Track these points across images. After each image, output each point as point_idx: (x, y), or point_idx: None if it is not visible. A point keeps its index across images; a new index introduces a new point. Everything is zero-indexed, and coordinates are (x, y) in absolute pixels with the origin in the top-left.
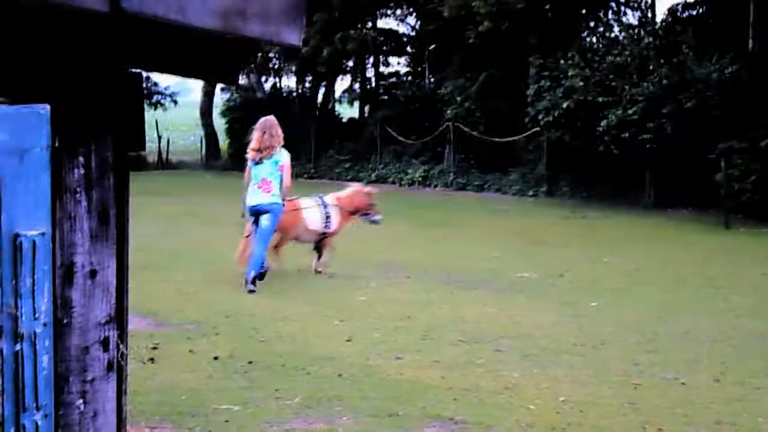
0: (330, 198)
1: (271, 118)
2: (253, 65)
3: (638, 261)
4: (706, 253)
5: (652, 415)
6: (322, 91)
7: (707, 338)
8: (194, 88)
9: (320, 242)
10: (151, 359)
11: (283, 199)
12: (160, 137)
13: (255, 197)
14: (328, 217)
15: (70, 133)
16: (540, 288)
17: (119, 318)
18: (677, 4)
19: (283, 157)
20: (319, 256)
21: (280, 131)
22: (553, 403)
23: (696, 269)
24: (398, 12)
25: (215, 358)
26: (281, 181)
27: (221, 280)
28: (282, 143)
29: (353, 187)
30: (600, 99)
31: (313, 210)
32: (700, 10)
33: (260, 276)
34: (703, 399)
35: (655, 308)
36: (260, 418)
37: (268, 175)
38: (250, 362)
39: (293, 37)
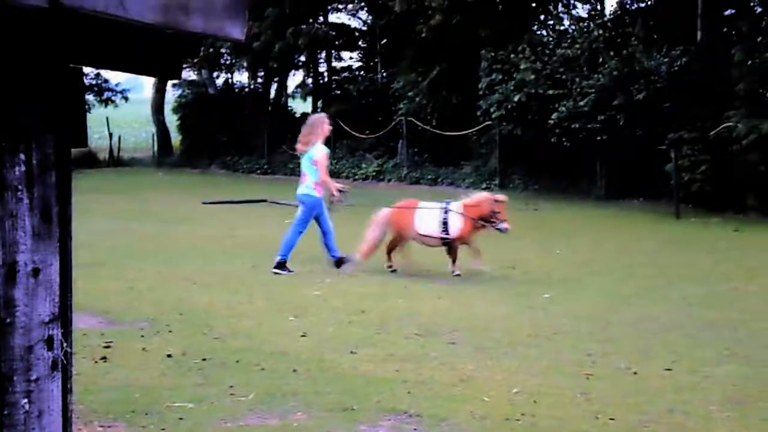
0: (456, 204)
1: (319, 115)
2: (198, 60)
3: (590, 252)
4: (657, 243)
5: (604, 405)
6: (274, 86)
7: (659, 327)
8: (146, 84)
9: (449, 247)
10: (104, 358)
11: (332, 194)
12: (111, 134)
13: (298, 188)
14: (445, 223)
15: (9, 129)
16: (492, 280)
17: (63, 316)
18: None
19: (316, 152)
20: (453, 260)
21: (321, 128)
22: (506, 394)
23: (647, 259)
24: (350, 6)
25: (169, 356)
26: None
27: (175, 278)
28: (320, 139)
29: (480, 195)
30: (551, 92)
31: (428, 214)
32: (649, 2)
33: (279, 265)
34: (655, 388)
35: (607, 298)
36: (214, 415)
37: (305, 168)
38: (204, 359)
39: (236, 31)
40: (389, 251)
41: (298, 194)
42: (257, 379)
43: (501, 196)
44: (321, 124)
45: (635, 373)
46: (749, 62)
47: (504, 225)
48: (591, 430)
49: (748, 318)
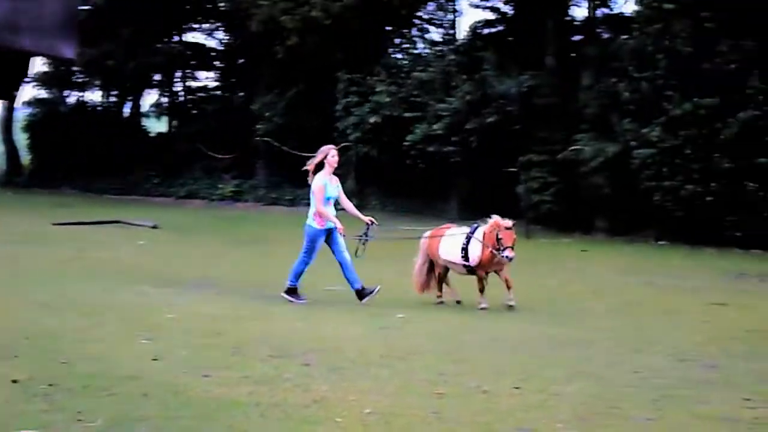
0: (480, 230)
1: (327, 146)
2: (49, 79)
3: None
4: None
5: (455, 424)
6: (129, 105)
7: (510, 347)
8: None
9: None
10: None
11: (338, 228)
12: None
13: None
14: (464, 250)
15: None
16: (348, 301)
17: None
18: (479, 22)
19: (313, 183)
20: (479, 290)
21: (321, 157)
22: (359, 415)
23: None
24: (206, 26)
25: (14, 381)
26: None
27: (23, 301)
28: (322, 169)
29: (492, 219)
30: (406, 114)
31: (453, 240)
32: (500, 28)
33: (289, 291)
34: (505, 406)
35: (459, 318)
36: None
37: (310, 197)
38: (51, 384)
39: (67, 50)
40: (439, 282)
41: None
42: (106, 404)
43: (507, 222)
44: (321, 154)
45: (486, 392)
46: (596, 87)
47: (506, 253)
48: None
49: (596, 337)
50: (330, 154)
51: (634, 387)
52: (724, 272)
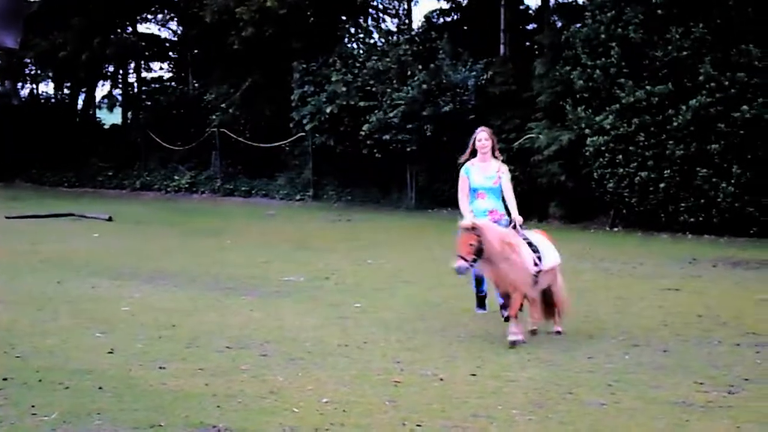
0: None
1: (478, 129)
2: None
3: (401, 261)
4: None
5: (411, 411)
6: (82, 97)
7: (465, 334)
8: None
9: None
10: None
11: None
12: None
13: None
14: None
15: None
16: (306, 291)
17: None
18: (433, 12)
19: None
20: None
21: (470, 145)
22: (316, 404)
23: None
24: (159, 17)
25: None
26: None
27: None
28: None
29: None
30: (362, 103)
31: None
32: (455, 17)
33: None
34: (460, 393)
35: (416, 307)
36: None
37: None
38: (5, 379)
39: (9, 40)
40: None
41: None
42: (61, 397)
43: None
44: (472, 140)
45: (441, 380)
46: (549, 75)
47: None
48: None
49: (550, 323)
50: (477, 137)
51: (588, 372)
52: (677, 258)
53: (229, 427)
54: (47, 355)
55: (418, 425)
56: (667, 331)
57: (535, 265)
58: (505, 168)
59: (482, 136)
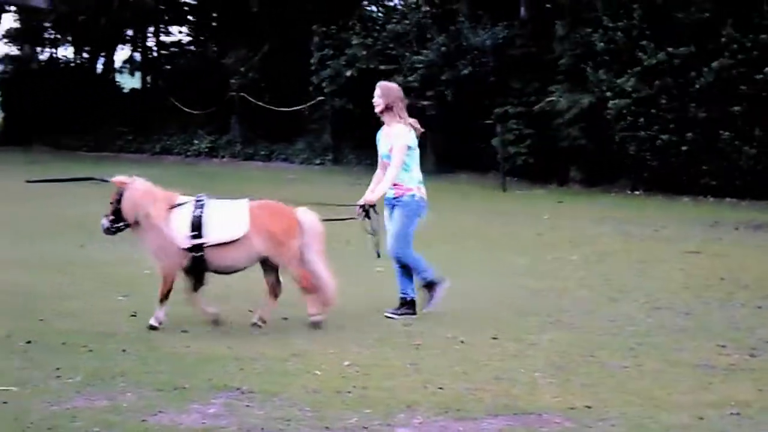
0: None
1: None
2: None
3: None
4: (484, 216)
5: (433, 374)
6: (101, 61)
7: (486, 298)
8: None
9: None
10: None
11: None
12: None
13: None
14: None
15: None
16: (327, 255)
17: None
18: None
19: None
20: None
21: None
22: (338, 367)
23: (475, 231)
24: None
25: None
26: None
27: None
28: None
29: None
30: (382, 67)
31: None
32: None
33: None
34: (482, 356)
35: (435, 270)
36: (40, 398)
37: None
38: (29, 342)
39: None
40: None
41: None
42: (84, 360)
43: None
44: None
45: (462, 342)
46: (570, 37)
47: None
48: (420, 399)
49: (571, 286)
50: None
51: (609, 335)
52: (698, 221)
53: (252, 389)
54: (70, 318)
55: (440, 388)
56: (689, 293)
57: (195, 238)
58: (402, 131)
59: (375, 94)
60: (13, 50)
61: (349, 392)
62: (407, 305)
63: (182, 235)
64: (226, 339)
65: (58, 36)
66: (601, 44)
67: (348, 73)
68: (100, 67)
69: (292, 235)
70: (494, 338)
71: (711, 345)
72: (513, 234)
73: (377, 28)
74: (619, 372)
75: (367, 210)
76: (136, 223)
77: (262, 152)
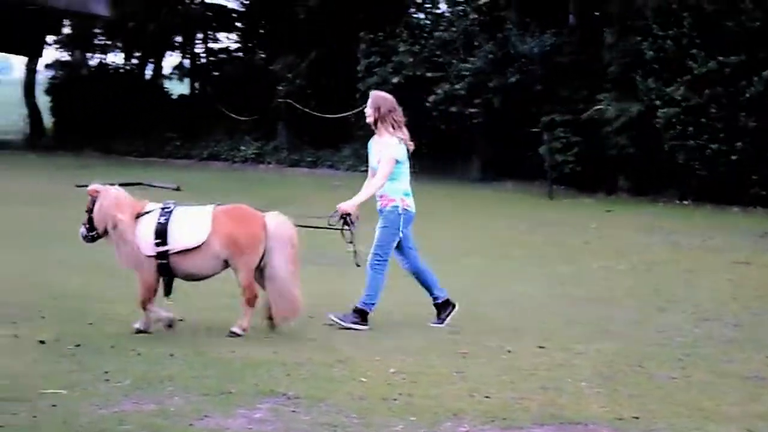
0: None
1: None
2: (71, 40)
3: (465, 233)
4: (531, 224)
5: (479, 383)
6: (150, 67)
7: (532, 306)
8: (15, 65)
9: None
10: None
11: None
12: None
13: None
14: None
15: None
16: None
17: None
18: None
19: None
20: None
21: None
22: (383, 374)
23: (522, 240)
24: None
25: (41, 342)
26: None
27: (47, 262)
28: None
29: None
30: (429, 74)
31: None
32: None
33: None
34: (528, 365)
35: (481, 279)
36: (88, 401)
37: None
38: (78, 345)
39: (100, 8)
40: None
41: None
42: (133, 364)
43: None
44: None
45: (509, 351)
46: (619, 45)
47: None
48: (466, 408)
49: (618, 296)
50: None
51: (657, 346)
52: (747, 231)
53: (298, 394)
54: (119, 322)
55: (486, 397)
56: (737, 304)
57: (159, 245)
58: (392, 143)
59: (367, 104)
60: (64, 56)
61: (395, 399)
62: (443, 306)
63: (147, 243)
64: (271, 344)
65: (108, 42)
66: (651, 53)
67: (394, 80)
68: (149, 73)
69: (255, 242)
70: (541, 347)
71: (760, 356)
72: (559, 243)
73: (424, 35)
74: (667, 383)
75: (345, 218)
76: (106, 231)
77: (308, 159)
